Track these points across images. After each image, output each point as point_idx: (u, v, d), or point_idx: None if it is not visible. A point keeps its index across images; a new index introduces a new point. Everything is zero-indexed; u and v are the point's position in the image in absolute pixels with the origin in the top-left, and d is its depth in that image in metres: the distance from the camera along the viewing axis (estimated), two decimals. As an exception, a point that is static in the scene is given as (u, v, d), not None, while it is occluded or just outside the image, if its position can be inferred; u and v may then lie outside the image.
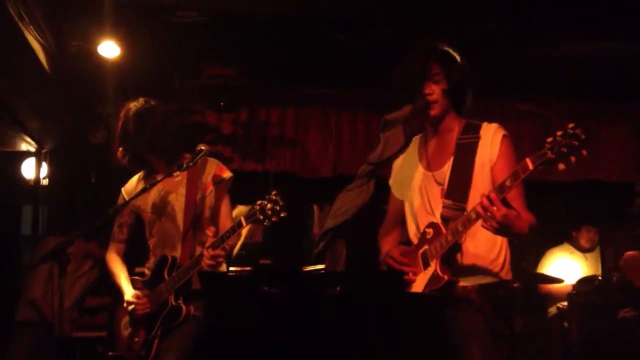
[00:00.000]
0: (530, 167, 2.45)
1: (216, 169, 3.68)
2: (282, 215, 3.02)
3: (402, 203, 3.11)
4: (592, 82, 5.94)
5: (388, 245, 3.14)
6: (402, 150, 3.20)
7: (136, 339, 3.49)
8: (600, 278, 5.59)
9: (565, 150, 2.36)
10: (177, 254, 3.55)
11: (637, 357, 4.75)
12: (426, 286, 2.81)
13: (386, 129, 3.31)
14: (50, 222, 6.40)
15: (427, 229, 2.88)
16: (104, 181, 6.02)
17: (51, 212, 6.45)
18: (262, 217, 3.02)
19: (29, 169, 6.54)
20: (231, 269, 2.57)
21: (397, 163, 3.19)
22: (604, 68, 5.73)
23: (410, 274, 2.89)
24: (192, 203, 3.60)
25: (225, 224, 3.60)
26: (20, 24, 4.16)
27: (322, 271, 2.33)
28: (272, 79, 6.09)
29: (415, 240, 2.97)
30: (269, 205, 3.04)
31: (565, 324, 5.30)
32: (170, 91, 5.88)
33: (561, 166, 2.39)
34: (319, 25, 5.19)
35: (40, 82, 4.93)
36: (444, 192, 2.88)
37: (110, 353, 3.59)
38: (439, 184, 2.92)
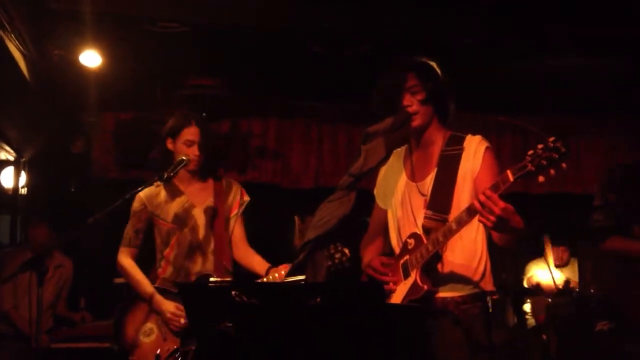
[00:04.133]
0: (511, 178, 2.48)
1: (240, 193, 3.84)
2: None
3: (385, 212, 3.14)
4: (569, 96, 6.01)
5: (370, 254, 3.17)
6: (383, 162, 3.21)
7: (167, 347, 3.50)
8: (577, 290, 5.64)
9: (545, 162, 2.39)
10: (197, 267, 3.62)
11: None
12: (406, 296, 2.83)
13: (367, 141, 3.31)
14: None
15: (408, 239, 2.91)
16: (84, 190, 5.99)
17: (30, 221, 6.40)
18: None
19: (7, 178, 6.49)
20: (211, 279, 2.57)
21: (382, 173, 3.22)
22: (582, 82, 5.80)
23: (391, 284, 2.91)
24: (221, 221, 3.72)
25: (240, 243, 3.71)
26: (1, 33, 4.15)
27: (303, 282, 2.32)
28: (255, 91, 6.11)
29: (397, 250, 2.99)
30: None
31: (544, 337, 5.34)
32: (152, 101, 5.88)
33: (541, 178, 2.42)
34: (301, 39, 5.22)
35: (21, 90, 4.91)
36: (427, 203, 2.90)
37: (130, 359, 3.56)
38: (422, 194, 2.94)
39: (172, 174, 3.56)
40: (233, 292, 2.15)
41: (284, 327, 2.19)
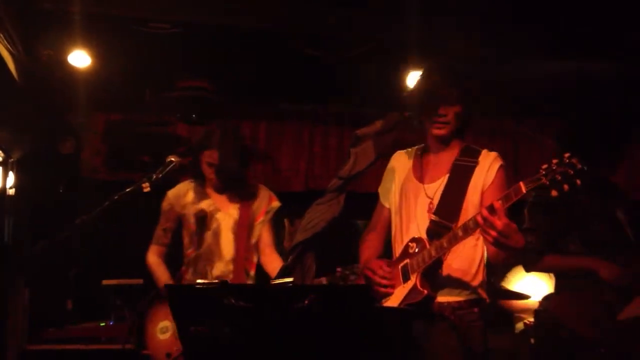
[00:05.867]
0: (524, 190, 2.50)
1: (268, 199, 3.84)
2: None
3: (388, 211, 3.16)
4: (560, 99, 6.02)
5: (369, 252, 3.18)
6: (372, 164, 3.23)
7: (176, 348, 3.55)
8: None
9: (559, 177, 2.41)
10: (216, 272, 3.71)
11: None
12: (404, 299, 2.83)
13: (357, 144, 3.34)
14: (17, 232, 6.32)
15: (410, 243, 2.92)
16: (73, 191, 5.96)
17: (17, 222, 6.37)
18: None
19: (-5, 179, 6.46)
20: (198, 281, 2.57)
21: (388, 171, 3.25)
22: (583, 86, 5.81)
23: (389, 288, 2.90)
24: (244, 228, 3.74)
25: (267, 249, 3.73)
26: (-10, 33, 4.13)
27: (290, 284, 2.32)
28: (245, 93, 6.10)
29: (397, 249, 2.99)
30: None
31: (532, 341, 5.34)
32: (141, 103, 5.86)
33: (554, 193, 2.43)
34: (293, 41, 5.21)
35: (10, 91, 4.89)
36: (433, 207, 2.92)
37: (143, 352, 3.67)
38: (428, 197, 2.96)
39: (160, 176, 3.56)
40: (222, 295, 2.15)
41: (272, 329, 2.19)
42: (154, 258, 3.88)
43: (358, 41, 5.29)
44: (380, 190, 3.27)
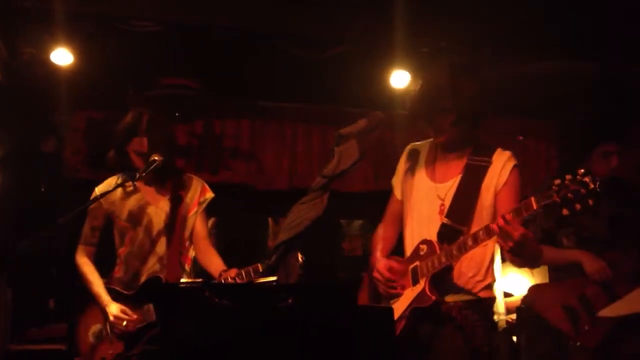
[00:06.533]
0: (534, 207, 2.48)
1: (201, 190, 3.70)
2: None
3: (401, 203, 3.14)
4: (543, 100, 6.06)
5: (382, 245, 3.16)
6: (356, 164, 3.22)
7: (110, 351, 3.45)
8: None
9: (572, 196, 2.37)
10: (149, 267, 3.53)
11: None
12: (412, 302, 2.84)
13: (341, 143, 3.32)
14: (-1, 231, 6.29)
15: (421, 245, 2.90)
16: (54, 190, 5.93)
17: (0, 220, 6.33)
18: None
19: (-24, 178, 6.41)
20: (182, 280, 2.55)
21: (402, 163, 3.20)
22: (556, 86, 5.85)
23: (398, 288, 2.90)
24: (177, 221, 3.59)
25: (201, 243, 3.62)
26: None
27: (274, 283, 2.32)
28: (228, 92, 6.09)
29: (407, 247, 2.98)
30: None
31: (515, 338, 5.38)
32: (124, 100, 5.83)
33: (565, 212, 2.40)
34: (276, 40, 5.22)
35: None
36: (444, 209, 2.90)
37: (76, 358, 3.53)
38: (440, 198, 2.94)
39: (144, 174, 3.53)
40: (205, 293, 2.15)
41: (256, 328, 2.19)
42: (82, 259, 3.71)
43: (341, 40, 5.30)
44: (393, 182, 3.25)
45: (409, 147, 3.24)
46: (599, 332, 3.79)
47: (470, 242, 2.71)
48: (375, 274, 3.02)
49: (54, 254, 5.74)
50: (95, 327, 3.56)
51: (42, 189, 6.06)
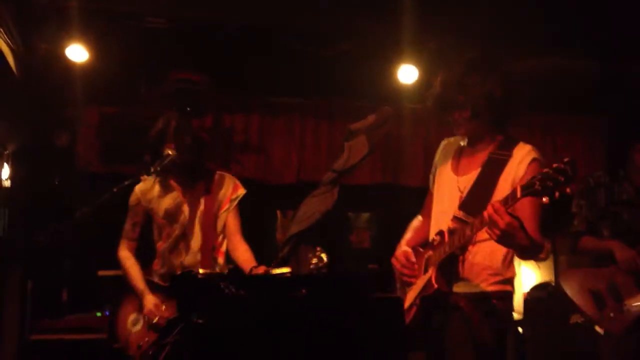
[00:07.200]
0: (518, 195, 2.49)
1: (233, 187, 3.87)
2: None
3: (432, 196, 3.18)
4: (548, 95, 6.11)
5: (410, 235, 3.24)
6: (365, 158, 3.29)
7: (146, 339, 3.58)
8: (553, 284, 5.76)
9: (551, 184, 2.39)
10: (183, 262, 3.73)
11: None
12: (421, 291, 2.90)
13: (350, 138, 3.39)
14: (12, 224, 6.36)
15: (435, 236, 2.96)
16: (68, 183, 6.02)
17: (13, 213, 6.41)
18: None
19: (-10, 171, 6.49)
20: (200, 271, 2.64)
21: (436, 158, 3.23)
22: (560, 82, 5.91)
23: (412, 277, 2.98)
24: (210, 217, 3.77)
25: (233, 238, 3.76)
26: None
27: (288, 274, 2.41)
28: (238, 86, 6.16)
29: (430, 236, 3.04)
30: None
31: (520, 330, 5.46)
32: (136, 96, 5.92)
33: (545, 199, 2.43)
34: (284, 35, 5.28)
35: (8, 84, 4.94)
36: (461, 202, 2.93)
37: (115, 345, 3.70)
38: (460, 190, 2.97)
39: (158, 168, 3.61)
40: (222, 284, 2.24)
41: (270, 317, 2.28)
42: (124, 253, 3.88)
43: (349, 35, 5.36)
44: (430, 176, 3.27)
45: (443, 142, 3.27)
46: (624, 321, 3.89)
47: (468, 232, 2.74)
48: (393, 260, 3.09)
49: (67, 247, 5.84)
50: (133, 317, 3.71)
51: (56, 182, 6.14)
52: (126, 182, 3.65)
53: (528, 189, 2.46)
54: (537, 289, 5.69)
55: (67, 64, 5.13)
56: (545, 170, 2.42)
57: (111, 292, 5.11)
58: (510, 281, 2.94)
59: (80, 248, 5.79)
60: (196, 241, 3.76)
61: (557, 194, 2.40)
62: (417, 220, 3.32)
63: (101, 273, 5.30)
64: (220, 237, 3.86)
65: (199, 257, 3.73)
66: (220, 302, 2.28)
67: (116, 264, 3.93)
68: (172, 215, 3.79)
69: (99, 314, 5.22)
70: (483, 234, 2.71)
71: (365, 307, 2.34)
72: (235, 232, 3.87)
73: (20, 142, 6.28)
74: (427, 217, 3.23)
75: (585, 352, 4.96)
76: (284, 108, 6.50)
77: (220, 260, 3.84)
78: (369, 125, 3.22)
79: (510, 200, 2.54)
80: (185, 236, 3.76)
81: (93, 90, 5.61)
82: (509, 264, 2.92)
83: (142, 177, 3.67)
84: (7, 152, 6.45)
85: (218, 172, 3.95)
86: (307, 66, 5.65)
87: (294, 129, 6.55)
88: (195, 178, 3.84)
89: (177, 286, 2.27)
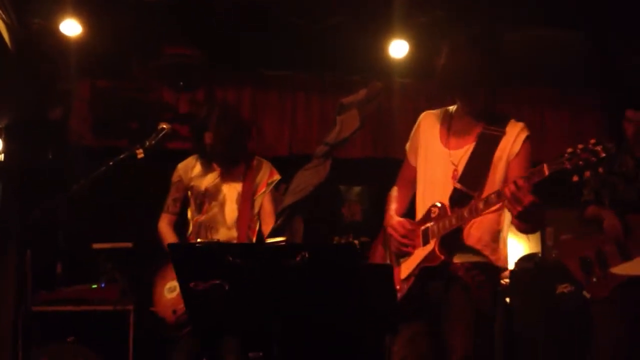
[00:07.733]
0: (546, 173, 2.57)
1: (269, 173, 4.19)
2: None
3: (414, 169, 3.24)
4: (535, 68, 6.15)
5: (395, 205, 3.29)
6: (356, 132, 3.34)
7: (180, 305, 3.75)
8: (540, 255, 5.86)
9: (582, 163, 2.47)
10: (219, 237, 3.97)
11: (574, 330, 5.05)
12: (422, 262, 2.96)
13: (342, 112, 3.45)
14: (5, 198, 6.39)
15: (432, 208, 3.00)
16: (62, 157, 6.05)
17: (6, 188, 6.44)
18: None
19: (-17, 145, 6.50)
20: (198, 240, 2.72)
21: (416, 130, 3.28)
22: (549, 55, 5.96)
23: (410, 248, 3.04)
24: (247, 199, 4.04)
25: (267, 218, 4.07)
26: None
27: (283, 243, 2.48)
28: (229, 61, 6.18)
29: (419, 210, 3.11)
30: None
31: (508, 300, 5.56)
32: (129, 70, 5.93)
33: (575, 178, 2.51)
34: (276, 9, 5.30)
35: (1, 58, 4.95)
36: (457, 175, 2.98)
37: (151, 308, 3.99)
38: (453, 164, 3.02)
39: (153, 142, 3.66)
40: (220, 253, 2.31)
41: (266, 284, 2.36)
42: (164, 226, 4.14)
43: (340, 9, 5.38)
44: (407, 148, 3.33)
45: (423, 115, 3.31)
46: (607, 286, 4.09)
47: (481, 206, 2.80)
48: (390, 230, 3.13)
49: (62, 220, 5.87)
50: (170, 284, 3.98)
51: (50, 156, 6.17)
52: (121, 156, 3.71)
53: (557, 165, 2.53)
54: (524, 259, 5.78)
55: (60, 39, 5.14)
56: (571, 149, 2.49)
57: (106, 265, 5.22)
58: (498, 253, 3.01)
59: (75, 221, 5.83)
60: (232, 219, 4.02)
61: (587, 173, 2.48)
62: (395, 191, 3.38)
63: (96, 246, 5.35)
64: (255, 218, 4.11)
65: (234, 233, 3.98)
66: (217, 270, 2.35)
67: (111, 236, 4.09)
68: (212, 193, 4.05)
69: (94, 286, 5.27)
70: None
71: (356, 274, 2.41)
72: (269, 213, 4.11)
73: (13, 116, 6.30)
74: (404, 188, 3.31)
75: (571, 321, 5.11)
76: (275, 82, 6.53)
77: (254, 238, 4.11)
78: (360, 100, 3.29)
79: (536, 176, 2.60)
80: (222, 214, 4.02)
81: (86, 64, 5.62)
82: (503, 237, 3.01)
83: (137, 151, 3.72)
84: (0, 126, 6.47)
85: (256, 157, 4.22)
86: (299, 40, 5.67)
87: (285, 102, 6.58)
88: (236, 161, 4.10)
89: (175, 255, 2.33)
